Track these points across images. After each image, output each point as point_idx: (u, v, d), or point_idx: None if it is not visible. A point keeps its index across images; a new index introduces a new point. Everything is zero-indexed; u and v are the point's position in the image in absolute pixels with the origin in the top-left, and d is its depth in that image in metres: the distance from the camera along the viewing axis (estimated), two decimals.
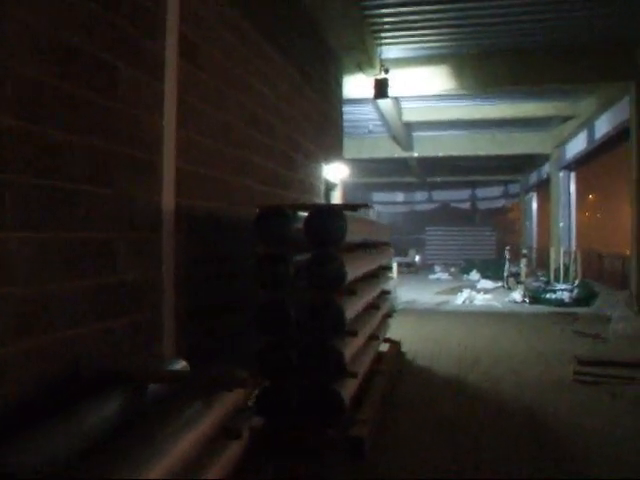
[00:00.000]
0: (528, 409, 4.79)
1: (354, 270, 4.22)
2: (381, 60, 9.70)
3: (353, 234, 4.13)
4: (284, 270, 3.84)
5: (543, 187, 21.94)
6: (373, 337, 5.45)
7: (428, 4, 8.17)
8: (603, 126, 12.26)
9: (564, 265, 14.39)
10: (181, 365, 3.01)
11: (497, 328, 8.99)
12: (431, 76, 10.21)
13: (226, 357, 4.29)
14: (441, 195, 30.75)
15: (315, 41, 7.92)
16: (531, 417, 4.59)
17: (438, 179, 24.40)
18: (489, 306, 11.82)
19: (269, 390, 3.95)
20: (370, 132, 16.70)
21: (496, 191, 28.71)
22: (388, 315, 6.67)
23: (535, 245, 23.53)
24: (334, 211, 3.86)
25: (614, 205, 33.40)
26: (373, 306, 5.42)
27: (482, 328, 8.99)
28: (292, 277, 3.86)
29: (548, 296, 11.76)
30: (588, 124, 13.19)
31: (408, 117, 14.03)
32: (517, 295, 12.32)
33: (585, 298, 11.40)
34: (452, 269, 22.77)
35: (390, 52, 10.03)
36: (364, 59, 9.26)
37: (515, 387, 5.50)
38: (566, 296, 11.55)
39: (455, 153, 17.53)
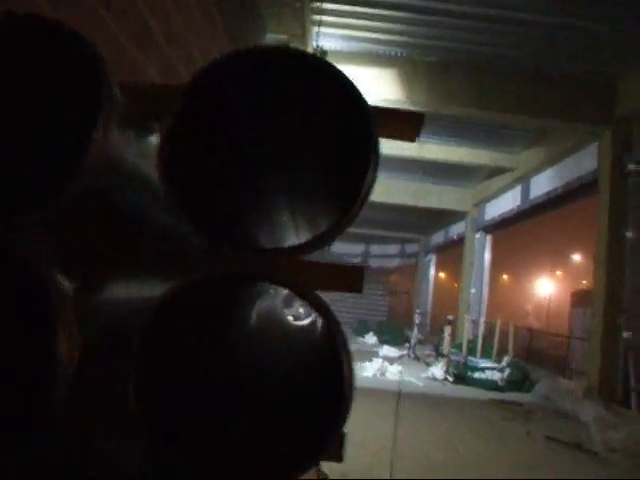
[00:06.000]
0: None
1: None
2: (317, 44, 7.30)
3: None
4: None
5: (447, 249, 20.68)
6: None
7: None
8: (544, 183, 10.73)
9: (483, 338, 12.55)
10: None
11: (447, 427, 6.40)
12: (375, 78, 7.93)
13: None
14: (333, 247, 28.80)
15: None
16: None
17: None
18: (406, 383, 9.33)
19: None
20: None
21: (392, 249, 27.25)
22: None
23: (430, 310, 22.02)
24: None
25: (532, 276, 33.69)
26: None
27: (425, 426, 6.35)
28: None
29: (477, 376, 9.61)
30: (523, 180, 11.67)
31: None
32: (437, 371, 10.03)
33: (519, 381, 9.40)
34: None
35: (329, 40, 7.69)
36: (296, 28, 6.76)
37: None
38: (498, 377, 9.47)
39: None
